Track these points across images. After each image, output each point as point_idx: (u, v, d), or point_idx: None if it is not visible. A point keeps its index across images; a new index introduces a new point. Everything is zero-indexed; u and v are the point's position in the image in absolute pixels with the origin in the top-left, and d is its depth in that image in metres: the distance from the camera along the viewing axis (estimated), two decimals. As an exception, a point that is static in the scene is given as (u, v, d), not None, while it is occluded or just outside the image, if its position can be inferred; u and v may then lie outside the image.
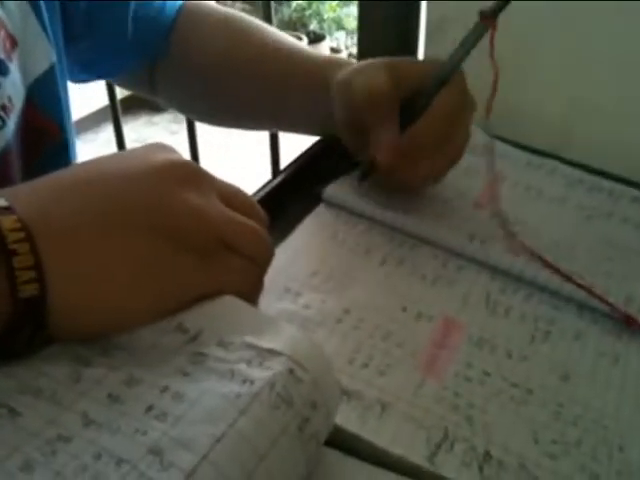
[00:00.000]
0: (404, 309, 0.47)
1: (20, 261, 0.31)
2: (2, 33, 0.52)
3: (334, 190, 0.58)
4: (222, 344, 0.33)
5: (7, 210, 0.32)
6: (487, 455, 0.38)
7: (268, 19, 0.95)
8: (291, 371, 0.32)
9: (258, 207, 0.41)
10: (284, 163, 0.69)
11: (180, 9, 0.66)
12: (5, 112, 0.52)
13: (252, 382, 0.31)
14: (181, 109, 0.72)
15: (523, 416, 0.41)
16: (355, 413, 0.39)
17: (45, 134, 0.59)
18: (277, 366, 0.32)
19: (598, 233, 0.58)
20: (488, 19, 0.51)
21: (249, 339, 0.33)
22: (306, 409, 0.32)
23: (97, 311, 0.33)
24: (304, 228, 0.55)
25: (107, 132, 3.17)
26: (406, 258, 0.52)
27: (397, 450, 0.37)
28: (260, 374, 0.31)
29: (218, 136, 2.38)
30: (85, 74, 0.68)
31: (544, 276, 0.50)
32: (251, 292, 0.40)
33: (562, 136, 0.73)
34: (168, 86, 0.69)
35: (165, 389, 0.31)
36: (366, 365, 0.43)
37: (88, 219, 0.34)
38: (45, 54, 0.57)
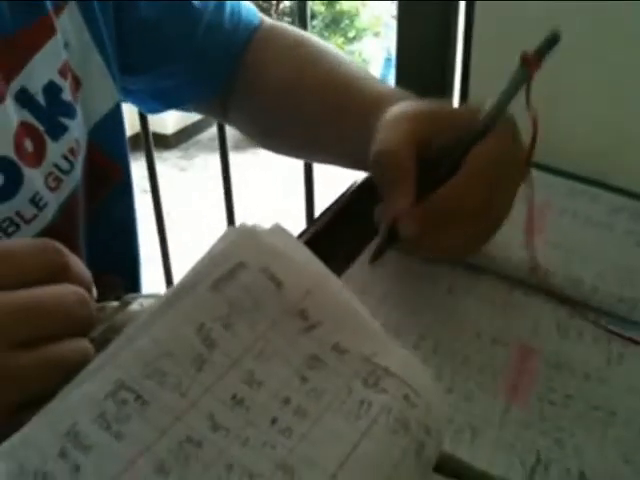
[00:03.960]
0: (478, 335, 0.48)
1: None
2: (69, 76, 0.52)
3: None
4: (338, 349, 0.33)
5: None
6: (582, 476, 0.39)
7: (303, 22, 0.92)
8: (406, 396, 0.33)
9: (51, 258, 0.35)
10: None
11: (253, 32, 0.65)
12: (73, 155, 0.53)
13: (370, 404, 0.32)
14: (247, 134, 0.71)
15: (610, 437, 0.41)
16: (447, 436, 0.40)
17: (109, 175, 0.59)
18: (392, 389, 0.33)
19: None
20: (531, 63, 0.45)
21: (364, 350, 0.34)
22: (421, 434, 0.32)
23: None
24: (364, 260, 0.56)
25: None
26: (471, 286, 0.53)
27: (494, 473, 0.38)
28: (377, 397, 0.32)
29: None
30: (157, 104, 0.68)
31: (610, 303, 0.51)
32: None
33: (602, 163, 0.75)
34: (238, 110, 0.68)
35: (287, 401, 0.31)
36: (450, 390, 0.43)
37: None
38: (109, 93, 0.57)
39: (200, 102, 0.68)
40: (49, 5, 0.50)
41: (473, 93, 0.79)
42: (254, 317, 0.33)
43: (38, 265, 0.35)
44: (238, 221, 1.15)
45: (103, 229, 0.58)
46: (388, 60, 3.69)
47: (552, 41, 0.45)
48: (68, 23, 0.52)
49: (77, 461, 0.28)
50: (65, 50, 0.52)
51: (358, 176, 0.69)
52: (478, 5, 0.74)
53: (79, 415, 0.29)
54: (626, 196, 0.67)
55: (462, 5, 0.80)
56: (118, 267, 0.58)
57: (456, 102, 0.85)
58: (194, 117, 3.46)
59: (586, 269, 0.55)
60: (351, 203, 0.65)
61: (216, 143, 1.10)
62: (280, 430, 0.31)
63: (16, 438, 0.29)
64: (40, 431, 0.29)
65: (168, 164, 3.54)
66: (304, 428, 0.31)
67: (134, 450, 0.29)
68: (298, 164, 1.00)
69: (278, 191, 3.10)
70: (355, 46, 3.81)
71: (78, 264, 0.37)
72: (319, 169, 0.99)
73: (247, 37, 0.64)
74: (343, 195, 0.67)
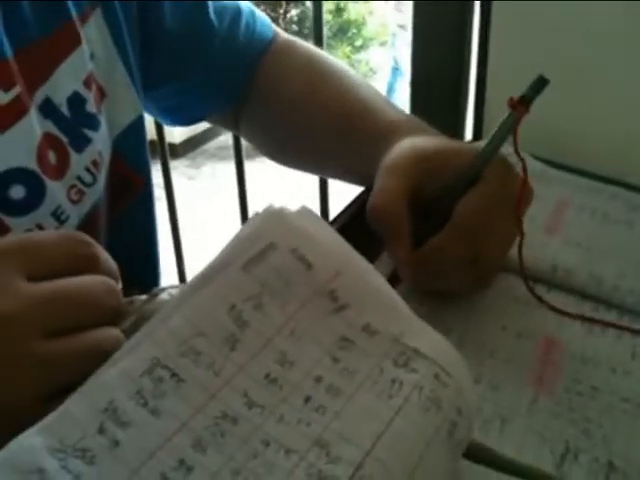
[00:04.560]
0: (503, 328, 0.48)
1: None
2: (94, 87, 0.52)
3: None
4: (368, 330, 0.34)
5: None
6: (611, 466, 0.38)
7: (318, 23, 0.92)
8: (436, 375, 0.33)
9: (84, 249, 0.36)
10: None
11: (268, 45, 0.65)
12: (96, 167, 0.52)
13: (401, 383, 0.32)
14: (258, 146, 0.71)
15: (638, 429, 0.41)
16: (476, 425, 0.40)
17: (131, 186, 0.59)
18: (423, 369, 0.33)
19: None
20: (518, 108, 0.44)
21: (393, 330, 0.34)
22: (453, 414, 0.32)
23: None
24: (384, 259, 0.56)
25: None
26: (494, 282, 0.53)
27: (523, 461, 0.38)
28: (407, 376, 0.32)
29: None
30: (170, 119, 0.68)
31: (632, 300, 0.51)
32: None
33: (620, 161, 0.75)
34: (249, 122, 0.69)
35: (319, 379, 0.32)
36: (478, 381, 0.43)
37: None
38: (133, 104, 0.57)
39: (214, 115, 0.69)
40: (73, 10, 0.50)
41: (490, 96, 0.79)
42: (284, 298, 0.33)
43: (67, 256, 0.35)
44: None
45: (124, 240, 0.57)
46: (395, 69, 3.71)
47: (539, 85, 0.44)
48: (94, 33, 0.52)
49: (116, 436, 0.28)
50: (90, 61, 0.52)
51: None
52: (495, 5, 0.75)
53: (116, 392, 0.30)
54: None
55: (477, 5, 0.80)
56: (139, 279, 0.58)
57: (471, 105, 0.85)
58: (202, 126, 3.46)
59: (606, 267, 0.55)
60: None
61: (223, 152, 1.11)
62: (314, 408, 0.31)
63: (55, 414, 0.29)
64: (79, 407, 0.29)
65: (176, 173, 3.53)
66: (337, 406, 0.31)
67: (171, 426, 0.29)
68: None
69: (290, 199, 3.10)
70: (362, 55, 3.83)
71: (105, 255, 0.37)
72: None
73: (261, 49, 0.65)
74: (359, 197, 0.67)
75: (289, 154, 0.69)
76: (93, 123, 0.52)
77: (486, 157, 0.46)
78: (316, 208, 1.09)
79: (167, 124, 0.72)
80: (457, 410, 0.33)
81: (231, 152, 1.05)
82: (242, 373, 0.31)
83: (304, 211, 0.36)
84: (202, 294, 0.33)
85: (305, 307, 0.33)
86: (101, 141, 0.53)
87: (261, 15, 0.67)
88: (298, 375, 0.32)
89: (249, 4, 0.66)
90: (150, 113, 0.67)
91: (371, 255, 0.55)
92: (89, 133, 0.52)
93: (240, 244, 0.34)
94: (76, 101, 0.50)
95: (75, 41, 0.50)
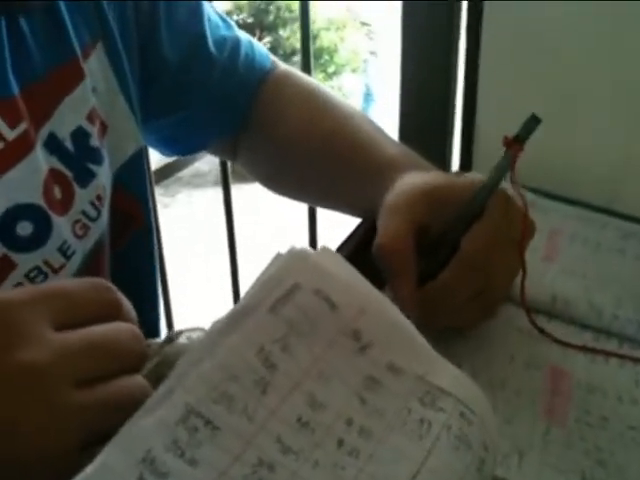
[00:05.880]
0: (511, 359, 0.49)
1: None
2: (97, 121, 0.52)
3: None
4: (392, 369, 0.34)
5: None
6: (628, 495, 0.39)
7: (306, 49, 0.95)
8: (462, 414, 0.33)
9: (110, 299, 0.36)
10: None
11: (267, 74, 0.66)
12: (100, 202, 0.52)
13: (430, 423, 0.33)
14: (254, 175, 0.71)
15: (650, 457, 0.42)
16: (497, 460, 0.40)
17: (131, 219, 0.59)
18: (449, 407, 0.33)
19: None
20: (512, 147, 0.47)
21: (417, 369, 0.34)
22: (480, 450, 0.33)
23: None
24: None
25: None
26: (497, 313, 0.54)
27: (543, 494, 0.39)
28: (435, 415, 0.33)
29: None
30: (170, 150, 0.68)
31: (632, 329, 0.53)
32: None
33: (610, 190, 0.76)
34: (247, 153, 0.69)
35: (350, 422, 0.32)
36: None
37: None
38: (134, 136, 0.57)
39: (211, 145, 0.69)
40: (77, 45, 0.50)
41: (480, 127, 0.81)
42: (311, 338, 0.34)
43: (93, 303, 0.35)
44: (240, 255, 1.15)
45: (126, 275, 0.57)
46: (367, 95, 3.76)
47: (532, 124, 0.46)
48: (95, 67, 0.52)
49: (156, 488, 0.28)
50: (93, 95, 0.52)
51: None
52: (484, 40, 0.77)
53: (153, 441, 0.30)
54: (635, 222, 0.69)
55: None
56: (140, 314, 0.57)
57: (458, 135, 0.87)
58: (175, 154, 3.46)
59: (604, 296, 0.56)
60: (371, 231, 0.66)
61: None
62: (347, 451, 0.31)
63: (93, 467, 0.29)
64: (117, 459, 0.29)
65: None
66: (370, 448, 0.31)
67: (210, 476, 0.29)
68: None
69: (273, 227, 3.10)
70: (334, 82, 3.87)
71: (127, 301, 0.37)
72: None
73: (260, 78, 0.65)
74: (361, 224, 0.67)
75: (287, 185, 0.69)
76: (97, 157, 0.52)
77: (487, 192, 0.48)
78: (305, 236, 1.10)
79: (166, 154, 0.72)
80: (484, 446, 0.33)
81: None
82: (274, 417, 0.31)
83: (325, 251, 0.37)
84: (232, 337, 0.33)
85: (331, 347, 0.34)
86: (104, 175, 0.53)
87: (259, 45, 0.67)
88: (329, 418, 0.32)
89: (247, 35, 0.67)
90: (148, 144, 0.68)
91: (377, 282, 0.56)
92: (93, 167, 0.52)
93: (265, 286, 0.35)
94: (80, 136, 0.51)
95: (79, 76, 0.50)
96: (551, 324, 0.54)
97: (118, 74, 0.54)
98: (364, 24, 3.73)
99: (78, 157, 0.51)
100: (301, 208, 1.04)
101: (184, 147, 0.68)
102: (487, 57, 0.78)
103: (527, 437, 0.43)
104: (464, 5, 0.81)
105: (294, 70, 0.69)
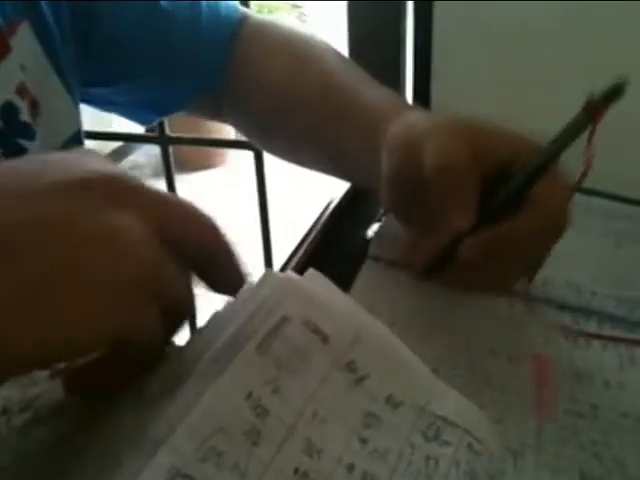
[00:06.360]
0: (492, 351, 0.47)
1: None
2: (27, 98, 0.49)
3: (380, 248, 0.57)
4: (391, 402, 0.31)
5: None
6: (629, 490, 0.38)
7: None
8: (469, 445, 0.31)
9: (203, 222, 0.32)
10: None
11: (238, 26, 0.62)
12: None
13: (437, 461, 0.30)
14: (245, 134, 0.68)
15: (645, 445, 0.41)
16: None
17: None
18: (455, 440, 0.31)
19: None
20: (597, 110, 0.40)
21: (418, 399, 0.32)
22: None
23: None
24: (361, 284, 0.54)
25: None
26: (474, 302, 0.52)
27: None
28: (441, 451, 0.30)
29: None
30: (148, 113, 0.65)
31: (611, 304, 0.51)
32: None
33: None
34: (231, 110, 0.65)
35: (351, 468, 0.29)
36: (480, 414, 0.42)
37: None
38: (71, 117, 0.54)
39: (192, 104, 0.65)
40: (1, 22, 0.47)
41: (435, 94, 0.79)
42: (303, 376, 0.31)
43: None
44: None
45: None
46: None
47: (618, 90, 0.40)
48: (22, 45, 0.49)
49: None
50: (22, 72, 0.49)
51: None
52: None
53: None
54: (599, 197, 0.68)
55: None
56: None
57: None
58: (111, 145, 3.34)
59: (580, 274, 0.55)
60: (332, 226, 0.63)
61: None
62: None
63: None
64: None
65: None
66: None
67: None
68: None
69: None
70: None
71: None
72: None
73: (232, 31, 0.62)
74: (320, 218, 0.65)
75: (277, 145, 0.66)
76: (28, 132, 0.49)
77: (557, 150, 0.43)
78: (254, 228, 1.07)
79: (142, 123, 0.67)
80: (490, 477, 0.31)
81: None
82: (269, 471, 0.28)
83: (312, 275, 0.34)
84: (219, 381, 0.29)
85: (325, 383, 0.31)
86: (36, 152, 0.50)
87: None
88: (329, 465, 0.29)
89: None
90: (120, 113, 0.65)
91: (344, 278, 0.54)
92: (24, 143, 0.49)
93: (252, 319, 0.31)
94: (9, 111, 0.48)
95: (4, 50, 0.47)
96: (528, 307, 0.52)
97: (49, 52, 0.51)
98: (295, 7, 3.69)
99: (7, 132, 0.48)
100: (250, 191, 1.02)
101: (162, 108, 0.65)
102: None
103: (519, 437, 0.40)
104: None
105: (269, 19, 0.65)
